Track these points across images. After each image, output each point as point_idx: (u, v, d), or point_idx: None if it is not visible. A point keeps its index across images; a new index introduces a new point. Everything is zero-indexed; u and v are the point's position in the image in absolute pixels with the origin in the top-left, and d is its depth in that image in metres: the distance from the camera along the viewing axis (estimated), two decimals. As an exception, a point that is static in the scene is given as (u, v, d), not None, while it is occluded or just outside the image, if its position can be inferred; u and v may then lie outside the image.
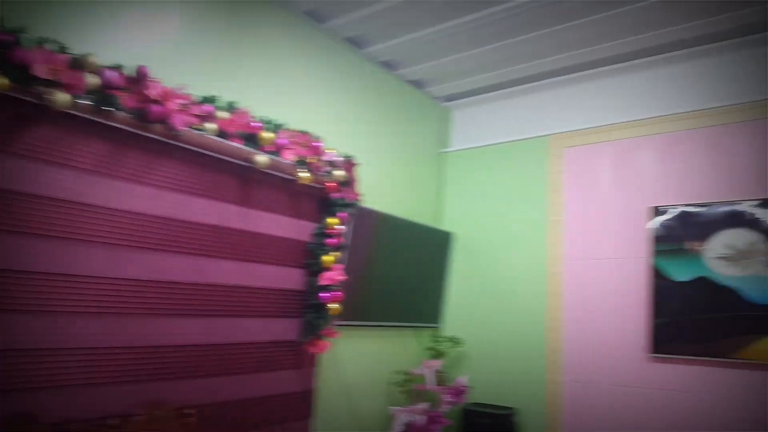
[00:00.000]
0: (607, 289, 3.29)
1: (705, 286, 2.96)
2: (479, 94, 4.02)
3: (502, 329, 3.65)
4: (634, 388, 3.12)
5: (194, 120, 2.33)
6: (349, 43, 3.38)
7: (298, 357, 2.89)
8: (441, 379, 3.61)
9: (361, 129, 3.46)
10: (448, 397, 3.48)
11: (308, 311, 2.88)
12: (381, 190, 3.56)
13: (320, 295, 2.86)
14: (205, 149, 2.42)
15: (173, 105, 2.24)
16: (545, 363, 3.44)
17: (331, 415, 3.12)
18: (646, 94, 3.35)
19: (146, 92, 2.17)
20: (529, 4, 2.86)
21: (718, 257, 2.95)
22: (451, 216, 4.04)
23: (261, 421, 2.70)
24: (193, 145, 2.38)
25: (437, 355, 3.71)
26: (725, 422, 2.83)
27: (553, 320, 3.45)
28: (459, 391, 3.50)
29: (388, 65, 3.68)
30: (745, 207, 2.92)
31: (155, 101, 2.19)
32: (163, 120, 2.22)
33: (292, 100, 2.99)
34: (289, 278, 2.85)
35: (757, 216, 2.87)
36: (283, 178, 2.78)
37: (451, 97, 4.13)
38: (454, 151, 4.13)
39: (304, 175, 2.74)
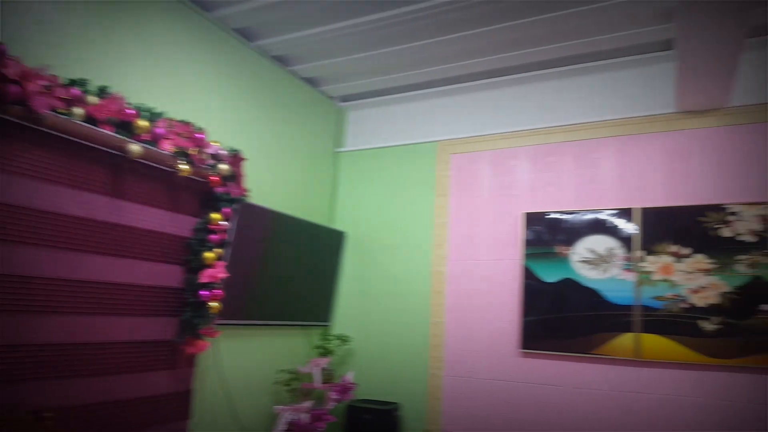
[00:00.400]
0: (485, 289, 3.47)
1: (570, 287, 3.21)
2: (374, 96, 4.08)
3: (389, 327, 3.74)
4: (506, 382, 3.32)
5: (59, 103, 2.17)
6: (239, 34, 3.30)
7: (175, 357, 2.78)
8: (328, 376, 3.63)
9: (252, 124, 3.39)
10: (334, 395, 3.51)
11: (186, 310, 2.78)
12: (273, 187, 3.52)
13: (200, 293, 2.77)
14: (72, 135, 2.26)
15: (34, 86, 2.08)
16: (428, 359, 3.56)
17: (210, 416, 3.03)
18: (523, 107, 3.57)
19: (3, 71, 2.00)
20: (426, 10, 2.94)
21: (582, 261, 3.20)
22: (344, 215, 4.07)
23: (135, 423, 2.58)
24: (58, 131, 2.21)
25: (325, 353, 3.72)
26: (586, 414, 3.08)
27: (436, 318, 3.58)
28: (345, 388, 3.54)
29: (282, 60, 3.63)
30: (605, 216, 3.19)
31: (13, 81, 2.02)
32: (22, 102, 2.05)
33: (176, 89, 2.87)
34: (166, 275, 2.73)
35: (615, 224, 3.16)
36: (160, 170, 2.66)
37: (346, 98, 4.16)
38: (348, 151, 4.16)
39: (183, 167, 2.64)
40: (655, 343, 2.96)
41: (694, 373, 2.88)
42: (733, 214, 2.90)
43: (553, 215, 3.33)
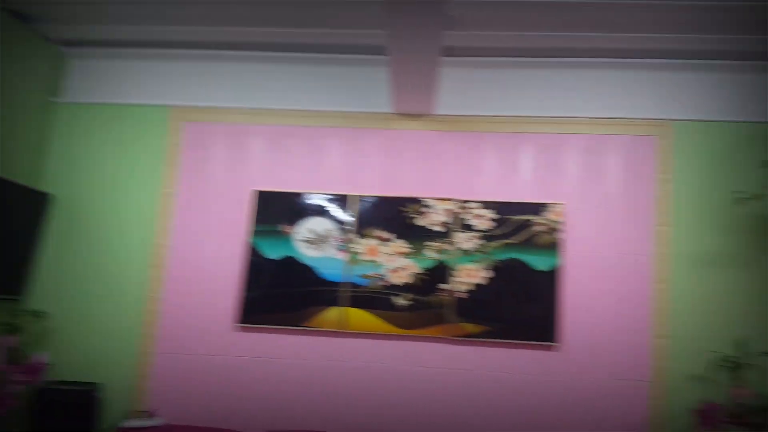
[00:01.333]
0: (209, 264, 3.43)
1: (291, 264, 3.38)
2: (106, 46, 3.67)
3: (99, 302, 3.43)
4: (222, 357, 3.33)
5: None
6: None
7: None
8: (15, 356, 3.17)
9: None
10: (20, 377, 3.08)
11: None
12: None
13: None
14: None
15: None
16: (140, 336, 3.37)
17: None
18: (264, 85, 3.61)
19: None
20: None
21: (303, 240, 3.40)
22: (57, 176, 3.58)
23: None
24: None
25: (12, 330, 3.23)
26: (296, 384, 3.28)
27: (154, 292, 3.41)
28: (35, 369, 3.14)
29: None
30: (327, 200, 3.44)
31: None
32: None
33: None
34: None
35: (335, 208, 3.42)
36: None
37: (71, 43, 3.66)
38: (68, 103, 3.68)
39: None
40: (358, 316, 3.30)
41: (389, 342, 3.29)
42: (427, 206, 3.39)
43: (281, 195, 3.45)
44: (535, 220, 3.31)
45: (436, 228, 3.36)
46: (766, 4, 2.78)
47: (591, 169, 3.37)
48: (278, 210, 3.44)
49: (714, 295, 3.18)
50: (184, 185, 3.53)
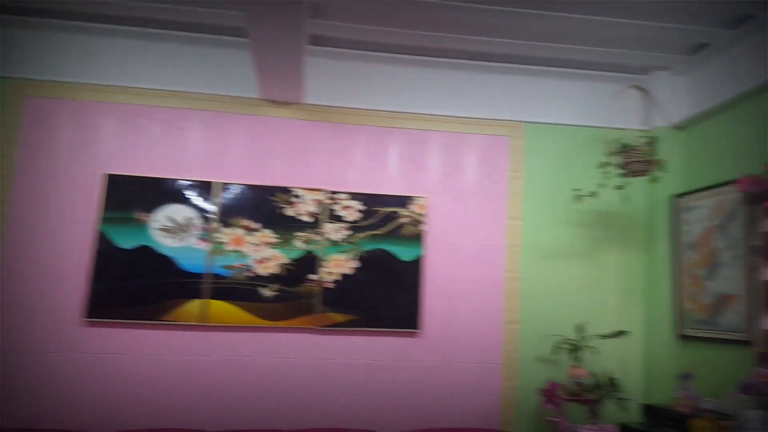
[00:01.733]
0: (51, 254, 3.13)
1: (146, 254, 3.18)
2: (-73, 5, 3.20)
3: None
4: (68, 354, 3.07)
5: None
6: None
7: None
8: None
9: None
10: None
11: None
12: None
13: None
14: None
15: None
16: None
17: None
18: (118, 61, 3.33)
19: None
20: None
21: (161, 228, 3.21)
22: None
23: None
24: None
25: None
26: (153, 381, 3.11)
27: (-16, 286, 3.05)
28: None
29: None
30: (188, 186, 3.27)
31: None
32: None
33: None
34: None
35: (197, 195, 3.27)
36: None
37: None
38: None
39: None
40: (221, 308, 3.19)
41: (254, 334, 3.23)
42: (296, 196, 3.35)
43: (135, 180, 3.23)
44: (401, 212, 3.40)
45: (305, 218, 3.34)
46: (603, 19, 3.06)
47: (451, 165, 3.53)
48: (132, 196, 3.21)
49: (557, 284, 3.49)
50: (24, 167, 3.17)
